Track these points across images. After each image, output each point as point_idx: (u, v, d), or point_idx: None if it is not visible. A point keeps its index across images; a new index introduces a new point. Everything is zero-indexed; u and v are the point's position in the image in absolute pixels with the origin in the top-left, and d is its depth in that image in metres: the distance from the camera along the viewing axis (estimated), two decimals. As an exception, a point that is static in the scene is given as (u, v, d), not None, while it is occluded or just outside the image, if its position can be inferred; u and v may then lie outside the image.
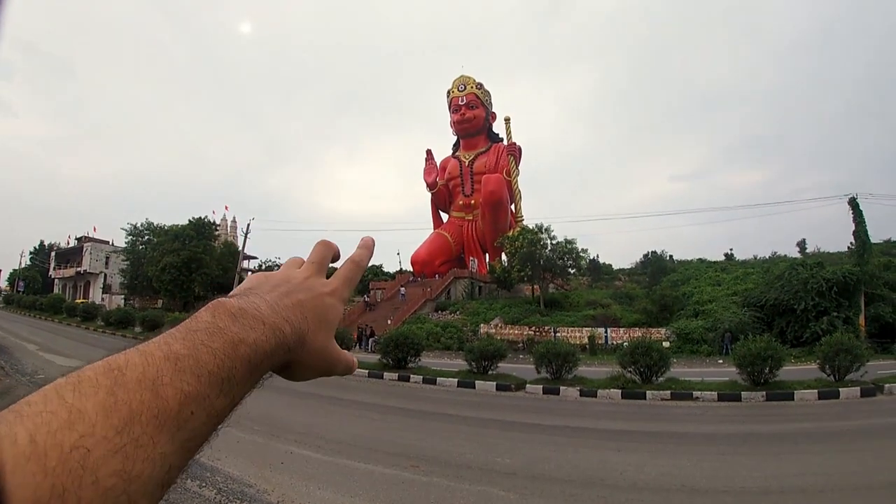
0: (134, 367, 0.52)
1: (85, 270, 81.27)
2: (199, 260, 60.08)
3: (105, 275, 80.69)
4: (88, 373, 0.51)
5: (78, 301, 65.47)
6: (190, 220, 62.97)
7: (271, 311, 0.68)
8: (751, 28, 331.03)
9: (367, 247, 0.91)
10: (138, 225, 67.83)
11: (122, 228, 69.59)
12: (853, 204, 38.75)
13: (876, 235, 44.39)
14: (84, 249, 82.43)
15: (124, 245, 70.43)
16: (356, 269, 0.86)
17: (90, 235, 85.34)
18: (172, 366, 0.54)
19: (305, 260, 0.84)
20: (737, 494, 7.50)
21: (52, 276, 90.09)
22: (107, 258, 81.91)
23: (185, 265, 59.02)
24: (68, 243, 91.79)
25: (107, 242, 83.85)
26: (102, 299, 72.21)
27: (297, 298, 0.74)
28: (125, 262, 69.91)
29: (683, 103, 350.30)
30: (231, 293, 0.72)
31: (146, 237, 66.88)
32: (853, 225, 38.73)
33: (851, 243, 39.85)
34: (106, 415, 0.47)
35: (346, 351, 0.82)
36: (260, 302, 0.68)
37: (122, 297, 71.31)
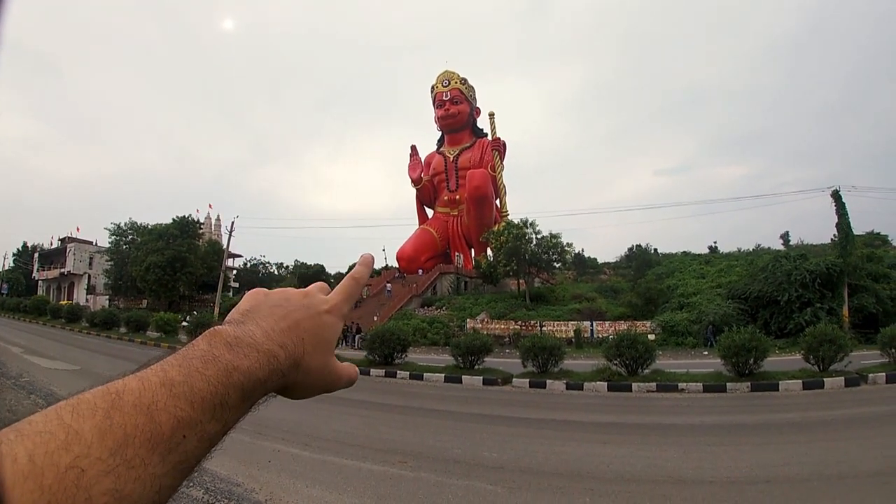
0: (131, 391, 0.55)
1: (69, 271, 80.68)
2: (184, 259, 59.82)
3: (89, 275, 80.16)
4: (87, 395, 0.54)
5: (62, 302, 64.92)
6: (174, 219, 62.67)
7: (266, 337, 0.70)
8: (735, 25, 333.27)
9: (367, 264, 0.94)
10: (122, 225, 67.47)
11: (106, 228, 69.34)
12: (836, 196, 39.00)
13: (858, 227, 44.75)
14: (68, 250, 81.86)
15: (108, 245, 69.98)
16: (355, 285, 0.87)
17: (74, 236, 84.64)
18: (167, 391, 0.57)
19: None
20: (723, 484, 7.54)
21: (36, 278, 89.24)
22: (91, 259, 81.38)
23: (169, 264, 58.75)
24: (52, 244, 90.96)
25: (90, 243, 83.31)
26: (87, 300, 71.74)
27: (294, 319, 0.75)
28: (109, 263, 69.59)
29: (668, 99, 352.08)
30: (229, 316, 0.76)
31: (130, 237, 66.51)
32: (836, 217, 38.97)
33: (834, 235, 40.10)
34: (101, 437, 0.49)
35: (347, 364, 0.84)
36: (255, 329, 0.70)
37: (107, 297, 70.96)
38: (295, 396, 0.77)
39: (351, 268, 1.00)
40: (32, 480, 0.44)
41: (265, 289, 0.82)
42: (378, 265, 73.74)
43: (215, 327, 0.69)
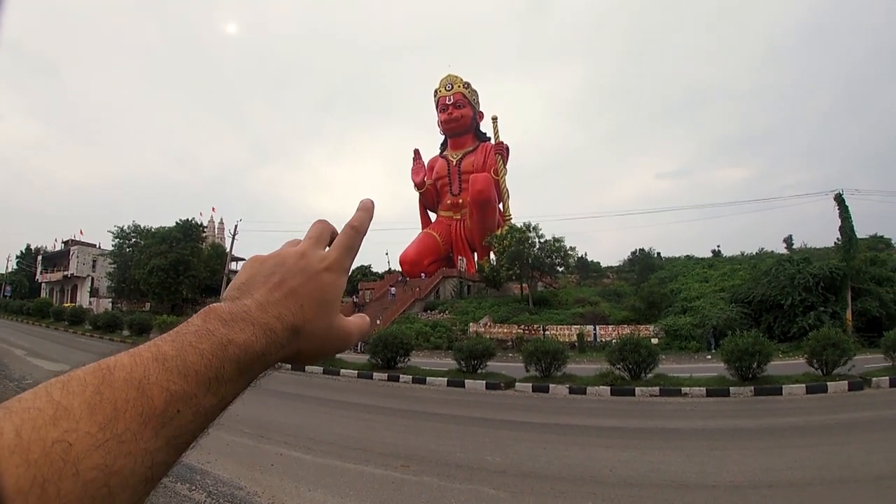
0: (122, 367, 0.55)
1: (72, 274, 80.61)
2: (187, 262, 59.77)
3: (92, 278, 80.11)
4: (78, 372, 0.53)
5: (65, 305, 64.80)
6: (177, 222, 62.62)
7: (261, 310, 0.68)
8: (736, 25, 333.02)
9: (367, 209, 0.87)
10: (125, 227, 67.30)
11: (109, 231, 69.25)
12: (839, 200, 38.90)
13: (862, 231, 44.71)
14: (71, 253, 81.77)
15: (111, 248, 69.89)
16: (355, 235, 0.83)
17: (77, 239, 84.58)
18: (160, 366, 0.56)
19: (308, 234, 0.83)
20: (726, 489, 7.53)
21: (39, 281, 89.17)
22: (94, 261, 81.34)
23: (172, 267, 58.71)
24: (55, 247, 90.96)
25: (94, 245, 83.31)
26: (90, 303, 71.63)
27: (291, 286, 0.73)
28: (112, 266, 69.43)
29: (668, 100, 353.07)
30: (226, 291, 0.75)
31: (133, 240, 66.33)
32: (839, 221, 38.87)
33: (838, 239, 39.99)
34: (91, 412, 0.49)
35: (356, 316, 0.83)
36: (250, 302, 0.69)
37: (110, 300, 70.83)
38: (304, 363, 0.77)
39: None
40: (18, 455, 0.43)
41: (262, 255, 0.80)
42: (381, 269, 73.71)
43: (211, 304, 0.68)
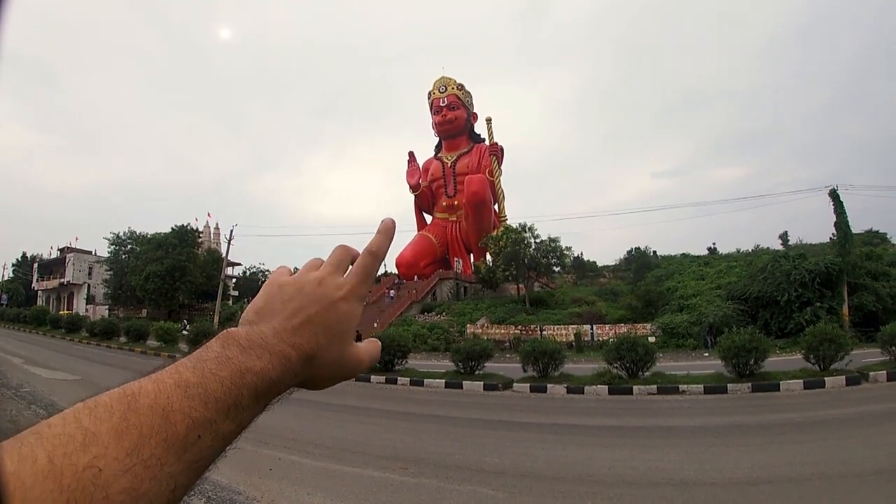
0: (146, 394, 0.58)
1: (68, 281, 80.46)
2: (183, 268, 59.79)
3: (88, 285, 80.00)
4: (104, 398, 0.56)
5: (62, 312, 64.74)
6: (173, 228, 62.62)
7: (277, 338, 0.70)
8: (730, 26, 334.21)
9: (386, 232, 0.87)
10: (121, 234, 67.28)
11: (105, 238, 69.12)
12: (833, 195, 38.96)
13: (857, 226, 44.71)
14: (67, 260, 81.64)
15: (107, 255, 69.81)
16: (373, 261, 0.84)
17: (73, 246, 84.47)
18: (182, 393, 0.59)
19: (324, 261, 0.84)
20: (725, 485, 7.53)
21: (36, 288, 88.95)
22: (90, 268, 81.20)
23: (168, 273, 58.71)
24: (51, 254, 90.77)
25: (90, 252, 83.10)
26: (86, 310, 71.53)
27: (307, 314, 0.74)
28: (108, 272, 69.37)
29: (664, 101, 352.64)
30: (244, 315, 0.76)
31: (129, 246, 66.32)
32: (834, 216, 38.93)
33: (833, 234, 40.04)
34: (118, 438, 0.52)
35: (368, 342, 0.86)
36: (267, 329, 0.71)
37: (107, 307, 70.79)
38: (313, 388, 0.79)
39: None
40: (52, 480, 0.46)
41: (283, 275, 0.82)
42: (378, 271, 73.73)
43: (228, 329, 0.70)
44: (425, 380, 20.59)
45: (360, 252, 0.85)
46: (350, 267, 0.83)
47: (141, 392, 0.57)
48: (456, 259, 61.08)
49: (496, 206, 62.75)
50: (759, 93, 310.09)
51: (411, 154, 69.28)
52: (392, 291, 52.19)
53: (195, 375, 0.62)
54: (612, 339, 25.23)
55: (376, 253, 0.84)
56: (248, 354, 0.66)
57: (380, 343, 0.90)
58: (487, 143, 64.42)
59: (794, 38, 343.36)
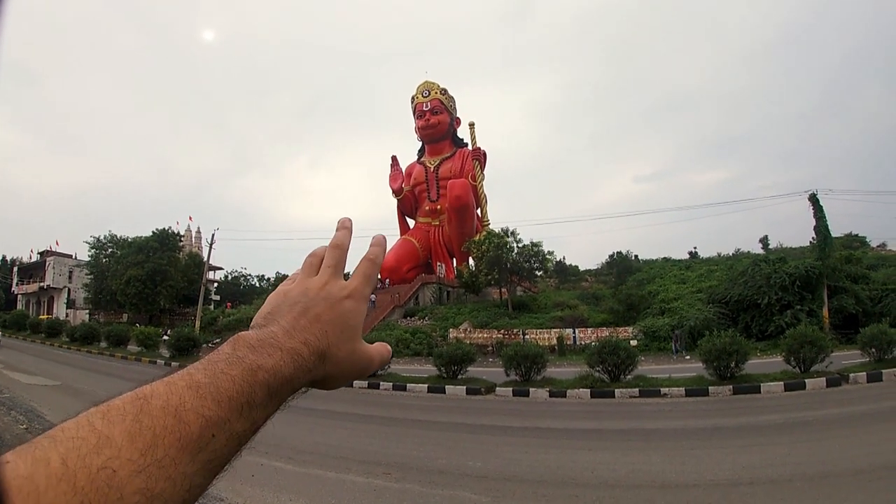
0: (158, 395, 0.58)
1: (48, 285, 79.54)
2: (164, 272, 59.35)
3: (69, 289, 79.14)
4: (117, 402, 0.57)
5: (42, 317, 64.03)
6: (154, 232, 62.14)
7: (288, 336, 0.72)
8: (713, 31, 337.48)
9: (381, 244, 0.92)
10: (101, 238, 66.51)
11: (86, 242, 68.24)
12: (813, 200, 39.30)
13: (836, 230, 45.24)
14: (47, 264, 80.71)
15: (88, 259, 69.05)
16: (373, 266, 0.88)
17: (53, 249, 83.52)
18: (194, 393, 0.60)
19: (322, 264, 0.86)
20: (706, 487, 7.55)
21: (15, 292, 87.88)
22: (70, 272, 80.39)
23: (149, 278, 58.27)
24: (31, 258, 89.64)
25: (70, 256, 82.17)
26: (67, 314, 70.75)
27: (315, 313, 0.77)
28: (89, 276, 68.50)
29: (646, 105, 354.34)
30: (253, 321, 0.78)
31: (110, 250, 65.56)
32: (814, 220, 39.29)
33: (813, 238, 40.42)
34: (131, 439, 0.52)
35: (378, 344, 0.88)
36: (277, 329, 0.73)
37: (87, 311, 70.07)
38: (329, 387, 0.80)
39: None
40: (66, 482, 0.46)
41: (286, 284, 0.85)
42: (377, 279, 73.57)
43: (239, 333, 0.71)
44: (408, 384, 20.56)
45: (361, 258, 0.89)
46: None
47: (153, 394, 0.58)
48: (439, 263, 61.03)
49: (479, 211, 62.74)
50: (740, 97, 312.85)
51: (394, 158, 69.14)
52: (373, 296, 51.87)
53: (206, 376, 0.62)
54: (594, 343, 25.33)
55: (374, 260, 0.89)
56: (258, 353, 0.67)
57: (389, 347, 0.92)
58: (470, 147, 64.46)
59: (776, 43, 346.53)
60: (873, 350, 18.82)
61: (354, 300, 0.81)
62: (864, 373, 17.35)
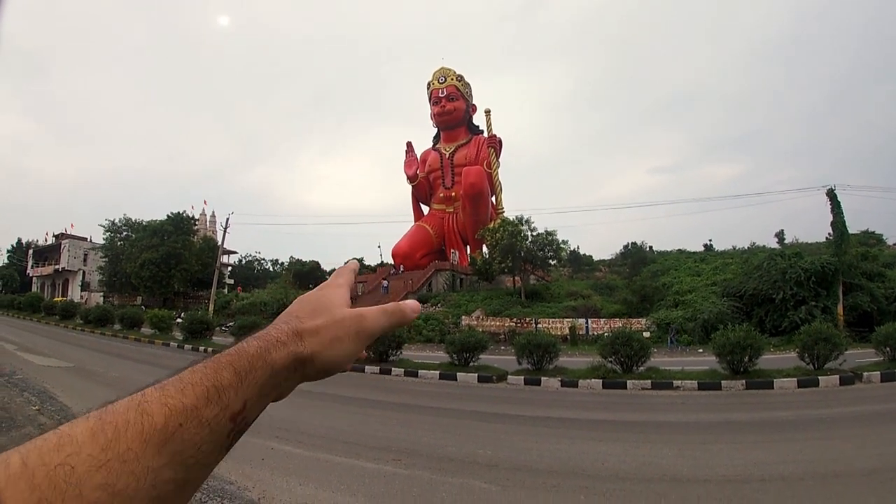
0: (122, 399, 0.58)
1: (63, 268, 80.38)
2: (178, 255, 59.70)
3: (83, 272, 79.85)
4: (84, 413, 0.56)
5: (56, 299, 64.62)
6: (168, 216, 62.47)
7: (262, 329, 0.73)
8: (728, 25, 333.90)
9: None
10: (116, 221, 66.93)
11: (100, 225, 68.53)
12: (831, 195, 38.94)
13: (853, 226, 44.77)
14: (62, 247, 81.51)
15: (102, 242, 69.48)
16: (350, 273, 0.93)
17: (68, 232, 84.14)
18: (158, 389, 0.60)
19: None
20: (718, 482, 7.51)
21: (30, 275, 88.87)
22: (85, 255, 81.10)
23: (163, 261, 58.63)
24: (46, 241, 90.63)
25: (85, 239, 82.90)
26: (81, 297, 71.48)
27: (290, 310, 0.79)
28: (103, 259, 69.03)
29: (662, 98, 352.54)
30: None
31: (124, 233, 65.98)
32: (831, 216, 38.93)
33: (829, 234, 40.13)
34: (93, 436, 0.52)
35: (387, 304, 0.87)
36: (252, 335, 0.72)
37: (101, 294, 70.67)
38: (331, 365, 0.77)
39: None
40: (23, 480, 0.46)
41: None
42: (373, 262, 73.58)
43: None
44: (419, 371, 20.56)
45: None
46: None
47: (118, 399, 0.58)
48: (452, 250, 61.06)
49: (493, 199, 62.71)
50: (757, 90, 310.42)
51: (409, 144, 69.15)
52: (385, 282, 52.11)
53: (169, 376, 0.62)
54: (606, 334, 25.24)
55: (352, 269, 0.95)
56: (228, 349, 0.67)
57: (414, 303, 0.93)
58: (486, 134, 64.32)
59: (792, 37, 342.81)
60: (888, 349, 18.60)
61: (329, 287, 0.84)
62: (878, 372, 17.16)
